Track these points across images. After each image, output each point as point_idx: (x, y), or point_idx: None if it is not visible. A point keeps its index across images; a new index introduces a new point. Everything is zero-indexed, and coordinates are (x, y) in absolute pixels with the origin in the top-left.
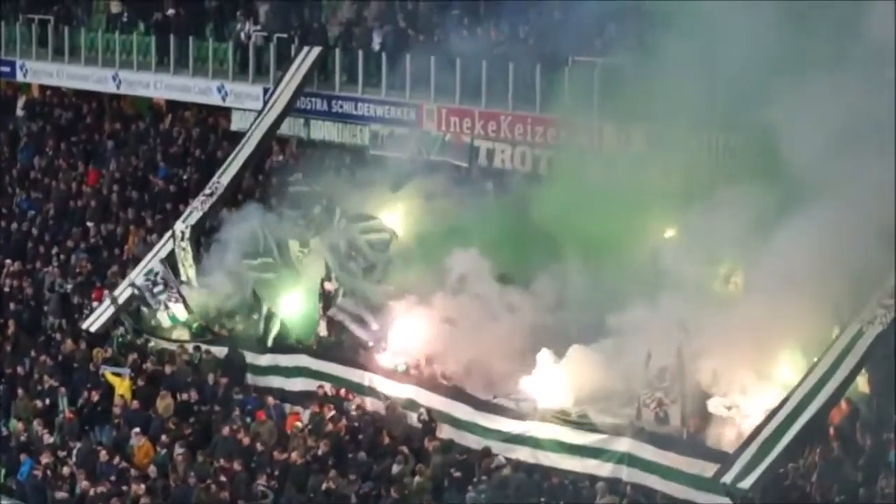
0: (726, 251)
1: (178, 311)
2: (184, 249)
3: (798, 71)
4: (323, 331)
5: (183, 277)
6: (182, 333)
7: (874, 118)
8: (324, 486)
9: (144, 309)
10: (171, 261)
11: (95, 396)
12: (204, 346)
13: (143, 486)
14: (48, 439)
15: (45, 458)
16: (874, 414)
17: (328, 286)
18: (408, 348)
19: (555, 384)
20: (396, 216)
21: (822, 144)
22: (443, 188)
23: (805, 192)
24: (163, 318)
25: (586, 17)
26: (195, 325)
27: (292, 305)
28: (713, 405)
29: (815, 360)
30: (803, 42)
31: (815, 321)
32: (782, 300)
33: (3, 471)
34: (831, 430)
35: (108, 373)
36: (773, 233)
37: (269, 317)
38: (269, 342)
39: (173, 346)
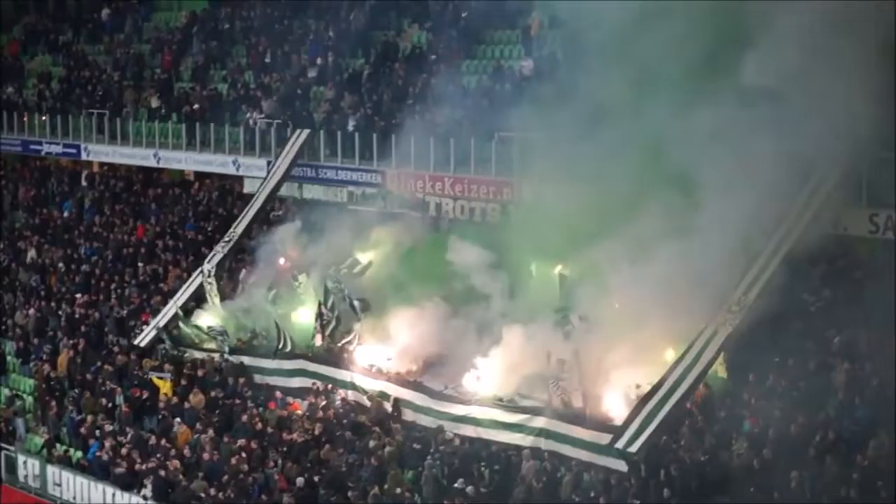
0: (618, 273)
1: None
2: (210, 283)
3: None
4: (318, 342)
5: (209, 304)
6: (210, 345)
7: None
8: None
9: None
10: (200, 292)
11: (144, 395)
12: (226, 355)
13: (180, 462)
14: (108, 428)
15: (108, 442)
16: (729, 394)
17: (324, 310)
18: (380, 354)
19: (488, 377)
20: (369, 253)
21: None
22: (402, 231)
23: (673, 233)
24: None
25: (507, 103)
26: (219, 339)
27: (294, 323)
28: (611, 388)
29: (682, 353)
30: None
31: (681, 325)
32: (658, 309)
33: (79, 452)
34: (695, 407)
35: (154, 377)
36: (654, 257)
37: (278, 333)
38: (277, 353)
39: (204, 355)
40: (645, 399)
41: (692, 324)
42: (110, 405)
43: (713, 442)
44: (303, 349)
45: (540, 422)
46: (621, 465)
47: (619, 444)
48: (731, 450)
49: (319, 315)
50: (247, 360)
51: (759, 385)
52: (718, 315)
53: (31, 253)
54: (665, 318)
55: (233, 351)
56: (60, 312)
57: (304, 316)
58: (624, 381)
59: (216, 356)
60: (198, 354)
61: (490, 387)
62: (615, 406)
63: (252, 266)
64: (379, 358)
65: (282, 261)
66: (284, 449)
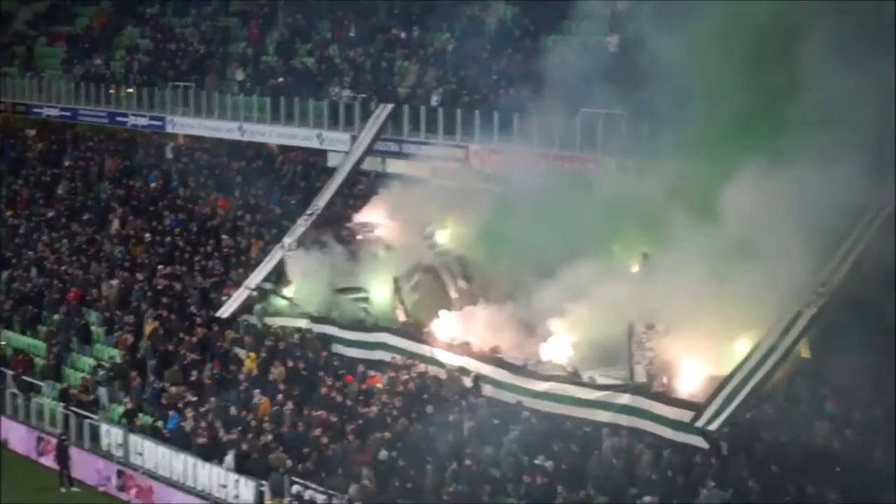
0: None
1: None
2: (290, 257)
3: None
4: (401, 317)
5: (290, 277)
6: (293, 318)
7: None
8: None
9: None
10: (281, 267)
11: (227, 367)
12: (306, 327)
13: (259, 434)
14: (190, 398)
15: (190, 413)
16: (811, 374)
17: (402, 284)
18: (461, 330)
19: (565, 350)
20: (450, 229)
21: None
22: (485, 206)
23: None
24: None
25: (592, 78)
26: (301, 312)
27: (375, 296)
28: (689, 365)
29: (765, 333)
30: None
31: (766, 303)
32: (742, 287)
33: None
34: (777, 387)
35: (241, 353)
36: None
37: (358, 303)
38: (356, 324)
39: (286, 327)
40: (727, 378)
41: (776, 304)
42: (193, 377)
43: (795, 422)
44: (386, 323)
45: (623, 399)
46: (702, 443)
47: (700, 423)
48: (813, 429)
49: (398, 290)
50: (329, 331)
51: (843, 366)
52: (804, 295)
53: (116, 224)
54: (751, 297)
55: (316, 322)
56: (144, 284)
57: (384, 289)
58: (706, 358)
59: (299, 327)
60: (282, 323)
61: (565, 358)
62: (696, 383)
63: (333, 239)
64: (461, 332)
65: (363, 234)
66: (361, 422)
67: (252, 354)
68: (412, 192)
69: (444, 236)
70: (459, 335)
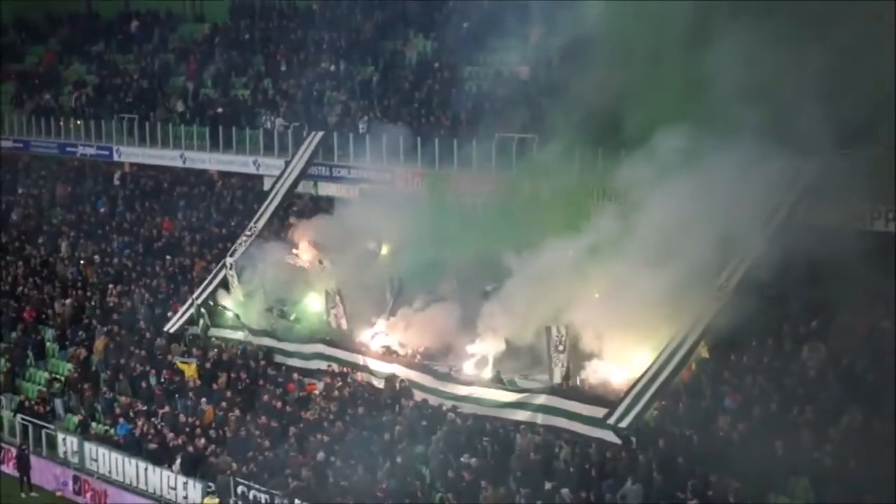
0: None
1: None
2: (232, 275)
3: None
4: (344, 325)
5: (232, 293)
6: (235, 331)
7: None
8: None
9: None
10: (224, 283)
11: (174, 377)
12: (246, 339)
13: (206, 440)
14: (140, 408)
15: (141, 421)
16: (711, 372)
17: (336, 297)
18: (392, 338)
19: (485, 358)
20: (383, 245)
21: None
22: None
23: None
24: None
25: (507, 105)
26: (242, 325)
27: (310, 309)
28: (600, 366)
29: (670, 335)
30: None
31: (669, 307)
32: (648, 290)
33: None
34: (682, 386)
35: (178, 361)
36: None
37: (294, 317)
38: (292, 336)
39: (230, 338)
40: (637, 378)
41: (679, 307)
42: (143, 387)
43: (698, 417)
44: (321, 334)
45: (540, 399)
46: (614, 438)
47: (612, 420)
48: (715, 425)
49: (340, 301)
50: (268, 343)
51: (739, 364)
52: (702, 300)
53: (67, 246)
54: (656, 300)
55: (255, 334)
56: (95, 302)
57: (317, 301)
58: (616, 359)
59: (240, 337)
60: (227, 335)
61: (487, 367)
62: (609, 383)
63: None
64: (391, 340)
65: (299, 251)
66: (302, 426)
67: (193, 365)
68: (346, 212)
69: (379, 252)
70: (389, 343)
